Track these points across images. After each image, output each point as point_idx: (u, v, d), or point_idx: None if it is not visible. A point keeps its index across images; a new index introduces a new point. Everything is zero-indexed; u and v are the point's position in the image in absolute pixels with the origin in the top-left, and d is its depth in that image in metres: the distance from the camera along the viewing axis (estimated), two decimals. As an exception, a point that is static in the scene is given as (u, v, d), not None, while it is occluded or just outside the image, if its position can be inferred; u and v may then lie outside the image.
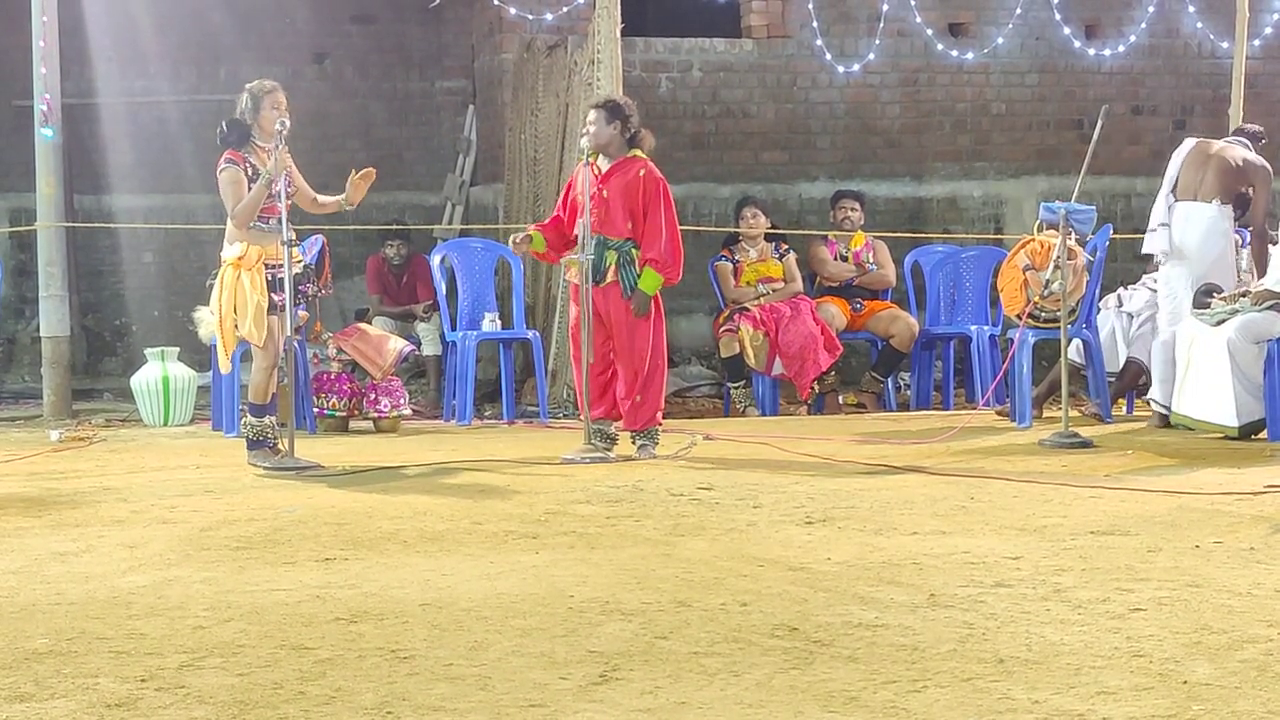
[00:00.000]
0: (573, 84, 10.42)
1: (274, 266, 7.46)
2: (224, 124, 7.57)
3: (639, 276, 7.75)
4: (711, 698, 3.55)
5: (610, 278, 7.78)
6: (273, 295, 7.43)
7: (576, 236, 7.83)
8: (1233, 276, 8.78)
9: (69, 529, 5.85)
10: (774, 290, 10.30)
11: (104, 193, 12.85)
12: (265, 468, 7.41)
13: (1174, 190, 8.95)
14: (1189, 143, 9.15)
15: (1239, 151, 8.99)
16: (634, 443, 7.88)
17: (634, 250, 7.78)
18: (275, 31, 13.09)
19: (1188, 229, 8.82)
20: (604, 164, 7.86)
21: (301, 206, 7.71)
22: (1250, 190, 8.92)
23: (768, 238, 10.53)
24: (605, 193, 7.78)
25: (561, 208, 8.07)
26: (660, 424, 7.96)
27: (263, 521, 5.92)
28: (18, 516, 6.16)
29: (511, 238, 8.09)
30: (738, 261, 10.43)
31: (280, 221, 7.41)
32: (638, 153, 7.87)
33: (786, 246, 10.55)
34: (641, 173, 7.79)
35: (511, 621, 4.26)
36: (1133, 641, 3.99)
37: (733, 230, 10.66)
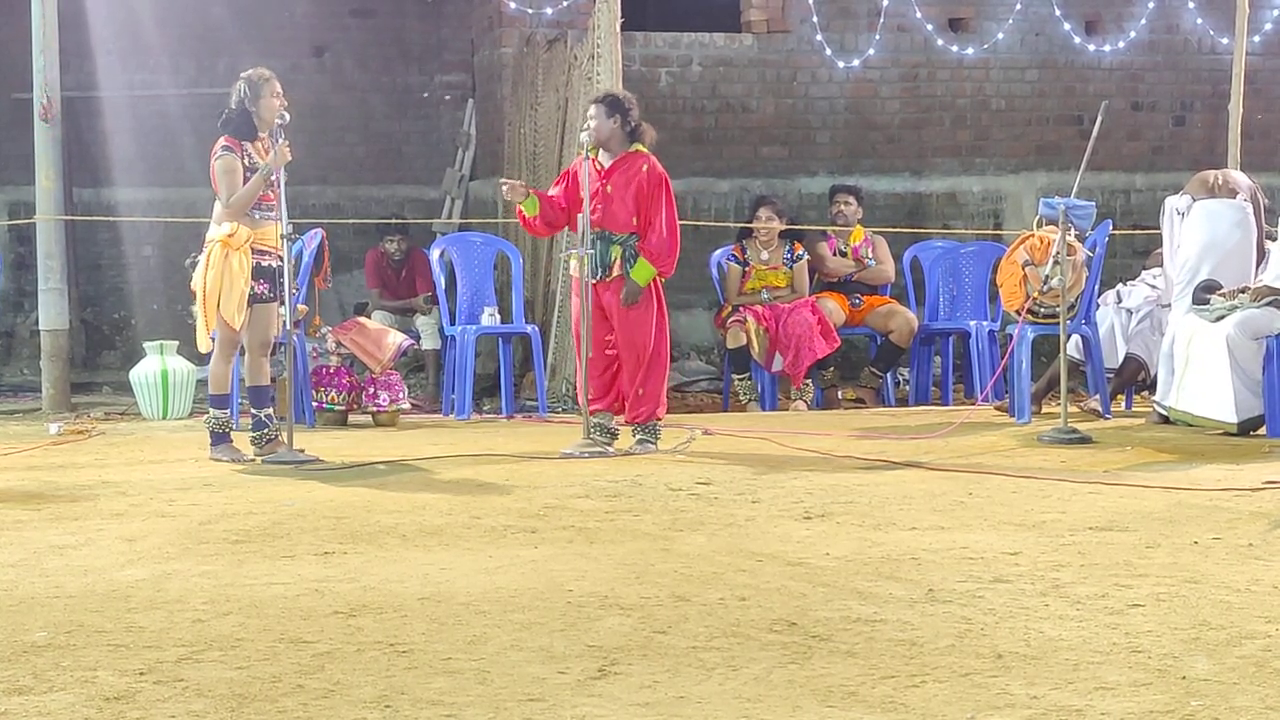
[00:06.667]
0: (572, 78, 10.41)
1: (260, 253, 7.42)
2: (226, 114, 7.51)
3: (633, 267, 7.73)
4: (710, 692, 3.55)
5: (616, 272, 7.76)
6: (254, 283, 7.38)
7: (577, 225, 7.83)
8: (1250, 270, 8.70)
9: (68, 522, 5.85)
10: (776, 298, 10.27)
11: (103, 186, 12.84)
12: (227, 460, 7.39)
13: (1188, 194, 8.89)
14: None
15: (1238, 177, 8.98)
16: (633, 436, 7.88)
17: (639, 245, 7.76)
18: (275, 24, 13.08)
19: (1216, 223, 8.70)
20: (605, 159, 7.83)
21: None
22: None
23: (783, 235, 10.49)
24: (609, 188, 7.76)
25: (559, 185, 8.00)
26: (659, 419, 7.95)
27: (261, 515, 5.92)
28: (16, 509, 6.15)
29: (508, 183, 8.00)
30: (748, 263, 10.39)
31: (275, 208, 7.38)
32: (640, 147, 7.84)
33: (800, 250, 10.47)
34: (644, 168, 7.76)
35: (510, 616, 4.26)
36: (1131, 637, 3.99)
37: (745, 225, 10.60)
